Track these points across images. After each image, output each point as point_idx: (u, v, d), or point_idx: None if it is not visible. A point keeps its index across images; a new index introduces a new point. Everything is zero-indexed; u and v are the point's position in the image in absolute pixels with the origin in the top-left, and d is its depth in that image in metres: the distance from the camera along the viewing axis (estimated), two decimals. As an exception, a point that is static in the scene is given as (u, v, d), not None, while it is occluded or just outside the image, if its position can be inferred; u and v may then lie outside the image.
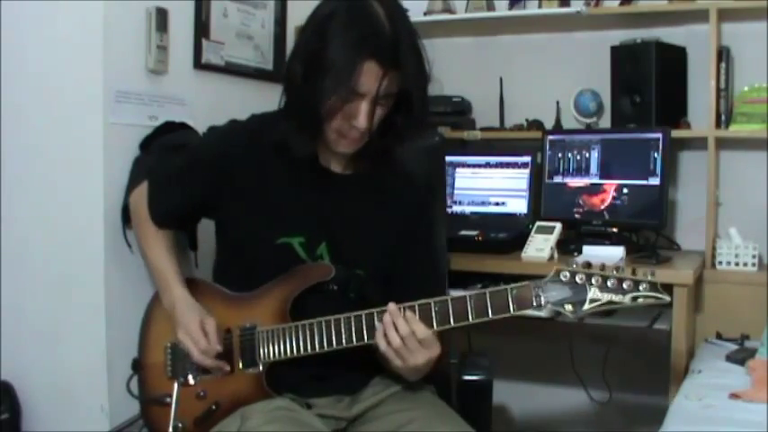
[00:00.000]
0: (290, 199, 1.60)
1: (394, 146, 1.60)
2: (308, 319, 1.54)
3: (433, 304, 1.47)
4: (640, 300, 1.41)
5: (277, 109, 1.58)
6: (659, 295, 1.41)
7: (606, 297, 1.42)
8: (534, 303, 1.44)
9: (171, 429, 1.59)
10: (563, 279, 1.43)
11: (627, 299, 1.41)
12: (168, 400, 1.61)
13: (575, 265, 1.44)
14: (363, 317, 1.50)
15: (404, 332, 1.45)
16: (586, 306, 1.42)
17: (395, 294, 1.60)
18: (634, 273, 1.43)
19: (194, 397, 1.61)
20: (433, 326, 1.47)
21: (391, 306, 1.47)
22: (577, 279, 1.43)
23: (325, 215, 1.61)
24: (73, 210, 1.95)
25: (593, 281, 1.42)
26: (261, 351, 1.56)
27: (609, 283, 1.42)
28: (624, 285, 1.41)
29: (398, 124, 1.55)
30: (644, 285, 1.41)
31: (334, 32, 1.43)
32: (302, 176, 1.60)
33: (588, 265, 1.44)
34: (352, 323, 1.50)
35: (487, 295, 1.45)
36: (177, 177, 1.70)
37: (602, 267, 1.44)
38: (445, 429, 1.54)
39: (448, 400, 1.73)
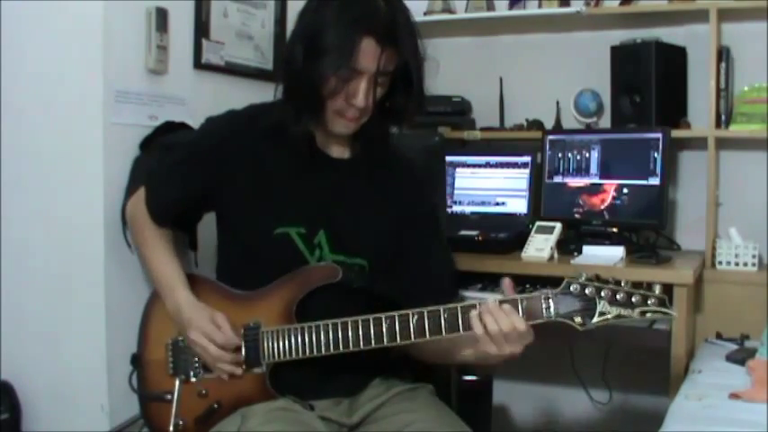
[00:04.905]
0: (288, 187, 1.60)
1: (391, 127, 1.61)
2: (311, 318, 1.53)
3: (442, 311, 1.46)
4: (648, 315, 1.41)
5: (275, 99, 1.58)
6: (667, 311, 1.41)
7: (615, 311, 1.41)
8: (544, 315, 1.44)
9: (171, 427, 1.58)
10: (573, 291, 1.43)
11: (635, 313, 1.41)
12: (169, 397, 1.61)
13: (584, 277, 1.44)
14: (371, 320, 1.49)
15: (506, 327, 1.42)
16: (595, 319, 1.42)
17: (399, 283, 1.60)
18: (643, 287, 1.42)
19: (196, 395, 1.61)
20: (441, 333, 1.46)
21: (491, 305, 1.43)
22: (587, 292, 1.42)
23: (324, 202, 1.61)
24: (73, 210, 1.95)
25: (603, 294, 1.42)
26: (265, 351, 1.56)
27: (618, 297, 1.41)
28: (633, 299, 1.41)
29: (397, 104, 1.56)
30: (652, 300, 1.40)
31: (332, 13, 1.46)
32: (300, 163, 1.60)
33: (597, 277, 1.44)
34: (360, 327, 1.49)
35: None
36: (175, 169, 1.69)
37: (612, 280, 1.43)
38: (445, 431, 1.54)
39: (448, 400, 1.73)
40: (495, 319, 1.42)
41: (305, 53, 1.48)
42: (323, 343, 1.52)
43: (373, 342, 1.49)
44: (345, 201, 1.63)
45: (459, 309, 1.46)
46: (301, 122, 1.53)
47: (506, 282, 1.48)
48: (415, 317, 1.47)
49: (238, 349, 1.56)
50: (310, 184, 1.61)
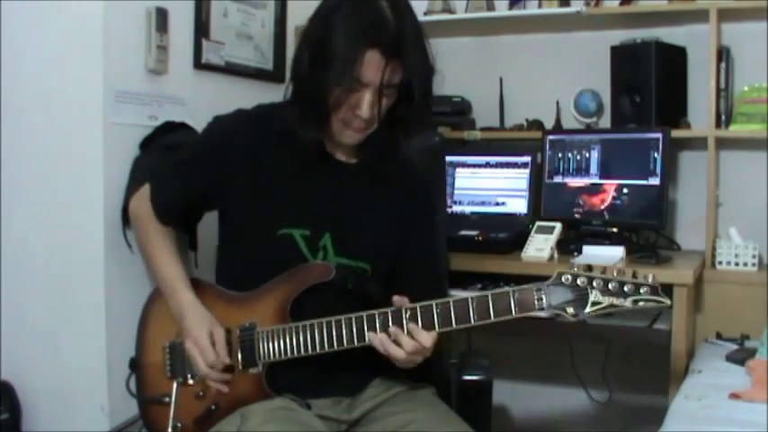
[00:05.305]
0: (294, 188, 1.60)
1: (399, 137, 1.61)
2: (307, 317, 1.54)
3: (435, 306, 1.47)
4: (641, 303, 1.41)
5: (284, 100, 1.58)
6: (660, 299, 1.42)
7: (607, 300, 1.42)
8: (536, 306, 1.44)
9: (170, 429, 1.58)
10: (565, 282, 1.44)
11: (628, 302, 1.41)
12: (167, 399, 1.61)
13: (576, 268, 1.44)
14: (364, 317, 1.50)
15: (410, 348, 1.46)
16: (588, 309, 1.42)
17: (396, 287, 1.60)
18: (635, 276, 1.43)
19: (194, 397, 1.61)
20: (434, 328, 1.47)
21: (393, 329, 1.48)
22: (579, 282, 1.43)
23: (330, 205, 1.61)
24: (73, 210, 1.95)
25: (595, 284, 1.42)
26: (260, 351, 1.56)
27: (610, 287, 1.42)
28: (625, 289, 1.41)
29: (403, 116, 1.55)
30: (645, 289, 1.41)
31: (339, 23, 1.44)
32: (307, 165, 1.60)
33: (590, 267, 1.44)
34: (353, 324, 1.50)
35: (489, 298, 1.45)
36: (178, 168, 1.69)
37: (604, 270, 1.44)
38: (445, 430, 1.54)
39: (448, 401, 1.73)
40: (402, 345, 1.46)
41: (311, 59, 1.48)
42: (317, 341, 1.52)
43: (367, 340, 1.49)
44: (351, 204, 1.63)
45: (451, 303, 1.46)
46: (309, 128, 1.53)
47: (397, 300, 1.49)
48: (408, 313, 1.47)
49: (230, 368, 1.57)
50: (317, 187, 1.61)
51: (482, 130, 2.83)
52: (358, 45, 1.42)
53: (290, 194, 1.60)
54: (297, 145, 1.55)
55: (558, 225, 2.37)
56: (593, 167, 2.54)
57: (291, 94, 1.55)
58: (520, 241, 2.37)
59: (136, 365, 1.72)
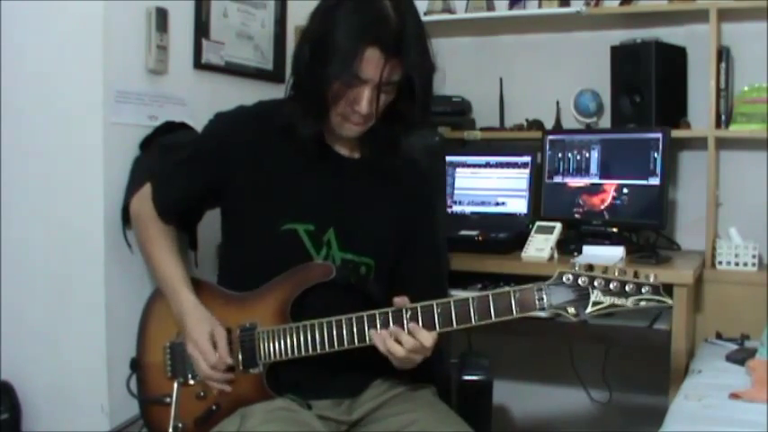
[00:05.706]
0: (297, 184, 1.60)
1: (399, 134, 1.61)
2: (307, 317, 1.54)
3: (435, 306, 1.47)
4: (643, 303, 1.41)
5: (284, 96, 1.58)
6: (662, 299, 1.41)
7: (609, 300, 1.42)
8: (537, 306, 1.44)
9: (171, 430, 1.58)
10: (566, 282, 1.43)
11: (629, 302, 1.41)
12: (168, 400, 1.61)
13: (577, 267, 1.44)
14: (365, 317, 1.50)
15: (410, 346, 1.46)
16: (589, 309, 1.42)
17: (397, 286, 1.60)
18: (636, 276, 1.43)
19: (194, 397, 1.61)
20: (435, 328, 1.47)
21: (393, 328, 1.48)
22: (580, 282, 1.42)
23: (333, 200, 1.61)
24: (73, 210, 1.95)
25: (596, 284, 1.42)
26: (261, 351, 1.56)
27: (611, 286, 1.42)
28: (627, 288, 1.41)
29: (403, 113, 1.55)
30: (646, 289, 1.41)
31: (340, 18, 1.45)
32: (309, 161, 1.60)
33: (591, 267, 1.44)
34: (354, 324, 1.50)
35: (490, 298, 1.45)
36: (182, 166, 1.69)
37: (605, 270, 1.43)
38: (446, 431, 1.54)
39: (448, 401, 1.73)
40: (402, 342, 1.45)
41: (311, 54, 1.48)
42: (318, 342, 1.52)
43: (368, 339, 1.49)
44: (355, 199, 1.63)
45: (451, 303, 1.46)
46: (308, 122, 1.53)
47: (398, 301, 1.49)
48: (409, 312, 1.47)
49: (231, 368, 1.57)
50: (320, 182, 1.61)
51: (482, 130, 2.83)
52: (358, 42, 1.43)
53: (293, 190, 1.60)
54: (298, 140, 1.55)
55: (558, 225, 2.37)
56: (593, 167, 2.54)
57: (291, 89, 1.56)
58: (520, 241, 2.37)
59: (137, 365, 1.71)
